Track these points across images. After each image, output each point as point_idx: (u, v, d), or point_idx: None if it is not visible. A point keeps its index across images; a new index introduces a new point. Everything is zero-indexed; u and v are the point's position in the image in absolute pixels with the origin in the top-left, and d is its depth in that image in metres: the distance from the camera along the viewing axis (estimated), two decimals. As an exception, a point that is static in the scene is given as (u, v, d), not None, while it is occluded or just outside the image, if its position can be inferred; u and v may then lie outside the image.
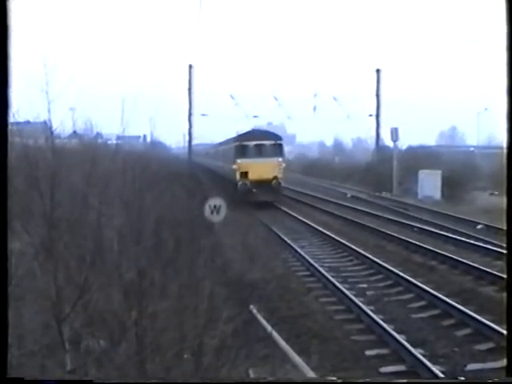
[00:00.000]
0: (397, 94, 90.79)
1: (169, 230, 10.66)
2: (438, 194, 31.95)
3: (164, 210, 12.28)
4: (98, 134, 20.80)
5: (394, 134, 36.74)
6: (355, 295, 12.28)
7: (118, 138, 14.51)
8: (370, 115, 44.89)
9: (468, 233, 19.71)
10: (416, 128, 60.44)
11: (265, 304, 10.86)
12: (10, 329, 3.16)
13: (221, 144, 38.63)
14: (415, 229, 21.21)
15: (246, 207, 25.60)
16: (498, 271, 12.98)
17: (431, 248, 16.82)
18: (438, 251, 16.31)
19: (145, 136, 38.02)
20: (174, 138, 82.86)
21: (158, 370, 5.75)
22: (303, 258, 16.29)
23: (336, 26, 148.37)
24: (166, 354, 5.88)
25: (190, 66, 45.58)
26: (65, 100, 8.63)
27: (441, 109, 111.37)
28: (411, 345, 9.10)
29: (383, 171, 36.85)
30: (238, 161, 29.61)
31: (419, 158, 37.45)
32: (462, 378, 8.01)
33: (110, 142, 18.07)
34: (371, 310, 11.11)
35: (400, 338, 9.47)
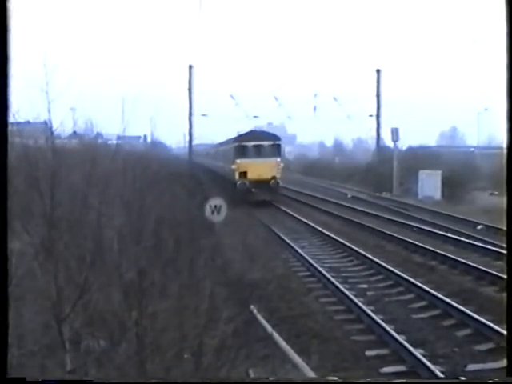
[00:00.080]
0: (397, 94, 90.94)
1: (169, 230, 10.66)
2: (438, 195, 31.96)
3: (164, 210, 12.28)
4: (99, 134, 20.84)
5: (395, 134, 36.74)
6: (355, 295, 12.28)
7: (119, 138, 14.52)
8: (371, 115, 44.85)
9: (468, 233, 19.71)
10: (416, 128, 60.64)
11: (265, 304, 10.87)
12: (10, 329, 3.15)
13: (221, 144, 38.75)
14: (415, 229, 21.20)
15: (245, 207, 25.62)
16: (497, 271, 12.97)
17: (431, 248, 16.83)
18: (438, 251, 16.32)
19: (145, 136, 38.18)
20: (174, 138, 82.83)
21: (158, 369, 5.75)
22: (303, 258, 16.29)
23: (336, 27, 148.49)
24: (166, 354, 5.88)
25: (190, 66, 45.53)
26: (65, 100, 8.63)
27: (441, 109, 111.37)
28: (411, 345, 9.10)
29: (383, 171, 36.84)
30: (238, 161, 29.84)
31: (419, 158, 37.45)
32: (463, 378, 8.00)
33: (110, 142, 18.08)
34: (371, 311, 11.10)
35: (400, 338, 9.47)
